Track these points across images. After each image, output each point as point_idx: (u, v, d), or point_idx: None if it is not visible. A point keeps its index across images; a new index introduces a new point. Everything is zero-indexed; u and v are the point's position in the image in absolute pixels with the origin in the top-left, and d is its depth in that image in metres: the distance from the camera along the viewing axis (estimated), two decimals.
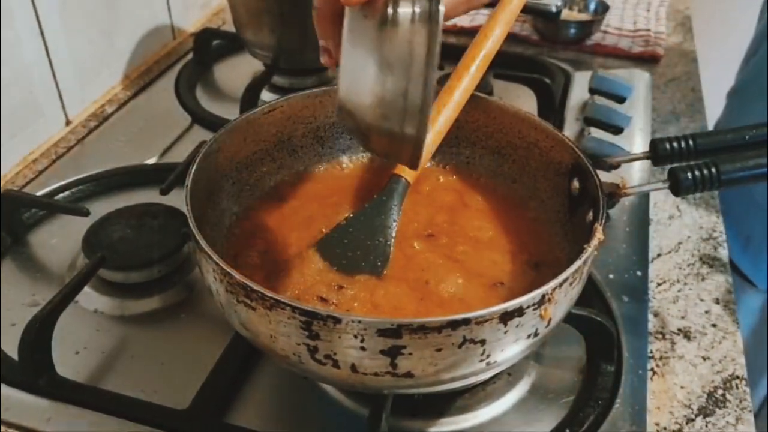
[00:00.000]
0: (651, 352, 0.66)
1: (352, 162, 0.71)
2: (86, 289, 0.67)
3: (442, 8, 0.44)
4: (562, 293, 0.48)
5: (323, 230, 0.61)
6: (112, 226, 0.73)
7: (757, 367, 1.12)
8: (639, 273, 0.73)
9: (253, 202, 0.66)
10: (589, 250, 0.50)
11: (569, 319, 0.55)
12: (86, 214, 0.73)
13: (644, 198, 0.83)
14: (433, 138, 0.64)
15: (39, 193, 0.80)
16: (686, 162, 0.60)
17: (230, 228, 0.63)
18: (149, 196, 0.79)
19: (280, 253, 0.60)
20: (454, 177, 0.70)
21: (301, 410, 0.60)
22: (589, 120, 0.93)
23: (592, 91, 0.99)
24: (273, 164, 0.68)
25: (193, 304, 0.69)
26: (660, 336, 0.68)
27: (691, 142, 0.64)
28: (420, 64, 0.45)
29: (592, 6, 1.20)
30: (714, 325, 0.69)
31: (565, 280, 0.48)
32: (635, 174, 0.86)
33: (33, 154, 0.89)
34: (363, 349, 0.45)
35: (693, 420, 0.60)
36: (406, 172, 0.63)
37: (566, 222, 0.62)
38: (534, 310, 0.47)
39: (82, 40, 0.95)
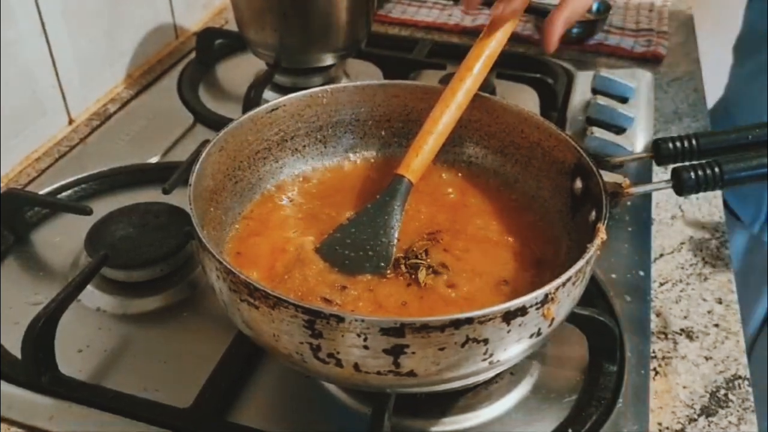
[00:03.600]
0: (653, 351, 0.66)
1: (354, 162, 0.71)
2: (89, 287, 0.67)
3: None
4: (565, 293, 0.48)
5: (326, 230, 0.62)
6: (115, 225, 0.73)
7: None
8: (641, 273, 0.73)
9: (255, 202, 0.66)
10: (592, 249, 0.50)
11: (572, 318, 0.55)
12: (89, 212, 0.73)
13: (646, 198, 0.83)
14: (436, 138, 0.64)
15: (42, 192, 0.80)
16: (689, 162, 0.60)
17: (233, 227, 0.63)
18: (152, 195, 0.79)
19: (282, 253, 0.60)
20: (457, 176, 0.70)
21: (304, 409, 0.60)
22: (592, 120, 0.93)
23: (595, 91, 0.99)
24: (275, 163, 0.68)
25: (196, 302, 0.70)
26: (662, 336, 0.67)
27: (693, 142, 0.64)
28: None
29: (594, 6, 1.20)
30: (716, 325, 0.69)
31: (568, 280, 0.48)
32: (638, 174, 0.85)
33: (36, 153, 0.89)
34: (366, 348, 0.45)
35: (695, 420, 0.60)
36: (409, 173, 0.63)
37: (569, 221, 0.62)
38: (537, 309, 0.47)
39: (85, 39, 0.95)
